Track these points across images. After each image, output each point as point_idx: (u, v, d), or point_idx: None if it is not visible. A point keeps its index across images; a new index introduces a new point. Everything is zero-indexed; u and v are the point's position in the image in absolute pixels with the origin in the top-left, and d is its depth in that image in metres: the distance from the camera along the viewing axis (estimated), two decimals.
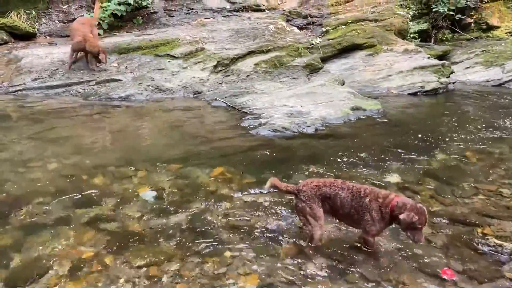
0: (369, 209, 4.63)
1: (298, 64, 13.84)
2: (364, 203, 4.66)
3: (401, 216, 4.38)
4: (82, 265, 4.49)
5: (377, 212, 4.61)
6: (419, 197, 6.20)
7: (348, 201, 4.74)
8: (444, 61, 15.71)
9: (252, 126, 9.46)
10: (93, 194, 6.06)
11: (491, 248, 4.99)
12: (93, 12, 15.81)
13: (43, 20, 16.26)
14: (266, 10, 18.36)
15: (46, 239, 4.93)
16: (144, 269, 4.48)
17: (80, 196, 6.00)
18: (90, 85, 12.41)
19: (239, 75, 13.37)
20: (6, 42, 14.71)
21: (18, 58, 13.47)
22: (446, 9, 18.74)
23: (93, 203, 5.80)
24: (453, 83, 15.16)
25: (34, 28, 15.66)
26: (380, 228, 4.74)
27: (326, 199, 4.85)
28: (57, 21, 16.24)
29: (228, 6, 18.43)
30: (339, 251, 4.83)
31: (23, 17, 15.77)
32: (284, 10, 18.30)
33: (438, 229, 5.35)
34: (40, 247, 4.77)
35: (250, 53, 14.05)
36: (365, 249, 4.85)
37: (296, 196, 4.96)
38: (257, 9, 18.35)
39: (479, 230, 5.38)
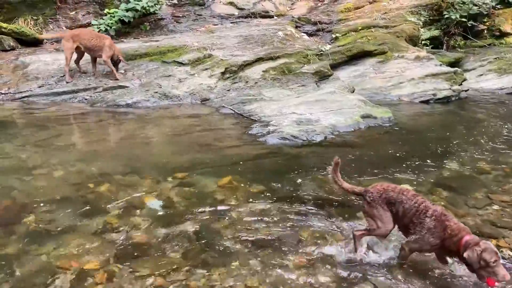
0: (429, 231, 4.55)
1: (307, 71, 13.80)
2: (426, 223, 4.57)
3: (464, 254, 4.22)
4: (87, 275, 4.48)
5: (436, 239, 4.51)
6: None
7: (410, 214, 4.68)
8: (456, 69, 15.63)
9: (260, 134, 9.44)
10: (99, 203, 6.06)
11: (506, 261, 4.93)
12: (100, 18, 15.91)
13: (50, 26, 16.33)
14: (275, 17, 18.39)
15: (51, 248, 4.93)
16: (150, 279, 4.46)
17: (85, 204, 6.00)
18: (96, 92, 12.43)
19: (247, 82, 13.36)
20: (13, 48, 14.77)
21: (25, 64, 13.52)
22: (458, 16, 18.65)
23: (99, 212, 5.80)
24: (466, 90, 15.05)
25: (41, 34, 15.71)
26: (426, 250, 4.71)
27: (390, 204, 4.83)
28: (64, 28, 16.29)
29: (236, 12, 18.48)
30: (349, 261, 4.81)
31: (30, 23, 15.85)
32: (293, 17, 18.32)
33: None
34: (45, 256, 4.77)
35: (259, 60, 14.03)
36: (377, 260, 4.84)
37: (363, 198, 4.98)
38: (266, 15, 18.39)
39: (493, 242, 5.31)
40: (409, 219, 4.68)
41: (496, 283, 4.22)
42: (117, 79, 12.83)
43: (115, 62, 12.88)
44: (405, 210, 4.72)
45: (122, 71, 13.11)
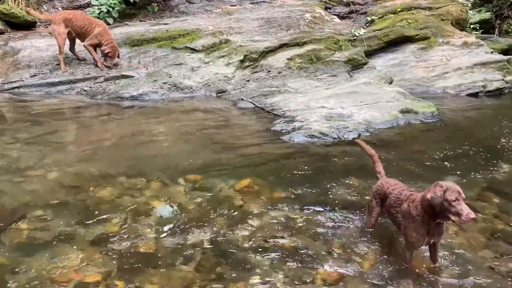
0: (405, 217, 4.81)
1: (339, 59, 13.76)
2: (402, 209, 4.88)
3: (428, 196, 4.47)
4: None
5: (412, 219, 4.69)
6: (480, 215, 6.09)
7: (393, 206, 5.05)
8: (510, 57, 15.43)
9: (284, 131, 9.44)
10: (100, 208, 6.08)
11: None
12: None
13: (44, 7, 16.44)
14: None
15: (46, 259, 4.95)
16: None
17: (85, 210, 6.03)
18: (97, 82, 12.49)
19: (269, 71, 13.35)
20: (2, 32, 14.88)
21: (15, 50, 13.62)
22: None
23: (100, 219, 5.82)
24: None
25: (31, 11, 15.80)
26: (418, 238, 4.72)
27: (383, 199, 5.27)
28: (60, 8, 16.40)
29: None
30: (386, 277, 4.80)
31: (22, 4, 15.94)
32: None
33: (502, 254, 5.29)
34: (39, 269, 4.78)
35: (283, 46, 14.02)
36: (413, 274, 4.81)
37: None
38: None
39: None
40: (395, 212, 5.02)
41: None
42: (97, 66, 13.01)
43: (106, 54, 12.94)
44: (391, 202, 5.09)
45: (127, 59, 13.17)
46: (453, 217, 4.35)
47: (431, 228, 4.62)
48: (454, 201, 4.31)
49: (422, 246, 4.84)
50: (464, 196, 4.38)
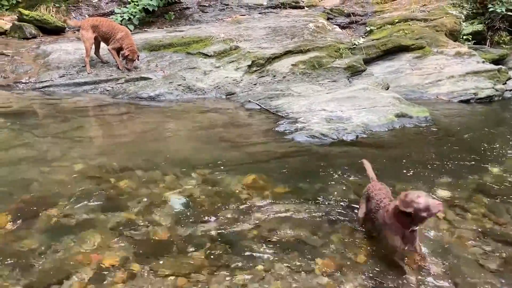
0: (381, 223, 4.96)
1: (339, 66, 13.82)
2: (378, 216, 5.05)
3: (396, 203, 4.69)
4: (106, 272, 4.58)
5: (387, 226, 4.86)
6: (469, 215, 6.09)
7: (372, 211, 5.22)
8: (500, 66, 15.44)
9: (287, 131, 9.49)
10: (119, 198, 6.17)
11: None
12: (123, 7, 16.09)
13: (72, 14, 16.59)
14: (305, 7, 18.42)
15: (70, 243, 5.04)
16: (171, 278, 4.54)
17: (105, 199, 6.11)
18: (118, 83, 12.61)
19: (275, 76, 13.42)
20: (34, 36, 15.08)
21: (46, 53, 13.77)
22: (503, 9, 18.40)
23: (119, 208, 5.90)
24: (510, 90, 14.92)
25: (68, 20, 15.94)
26: (395, 244, 4.81)
27: (369, 201, 5.37)
28: (87, 16, 16.53)
29: (265, 2, 18.53)
30: (380, 269, 4.83)
31: (52, 11, 16.12)
32: (325, 8, 18.32)
33: (491, 251, 5.26)
34: (63, 252, 4.87)
35: (288, 53, 14.13)
36: (405, 268, 4.85)
37: None
38: (296, 6, 18.43)
39: None
40: (372, 214, 5.18)
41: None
42: (119, 69, 13.22)
43: (125, 57, 13.09)
44: (371, 206, 5.26)
45: (137, 64, 13.30)
46: (424, 213, 4.50)
47: (405, 235, 4.75)
48: (418, 197, 4.54)
49: (402, 248, 4.89)
50: (426, 195, 4.67)
